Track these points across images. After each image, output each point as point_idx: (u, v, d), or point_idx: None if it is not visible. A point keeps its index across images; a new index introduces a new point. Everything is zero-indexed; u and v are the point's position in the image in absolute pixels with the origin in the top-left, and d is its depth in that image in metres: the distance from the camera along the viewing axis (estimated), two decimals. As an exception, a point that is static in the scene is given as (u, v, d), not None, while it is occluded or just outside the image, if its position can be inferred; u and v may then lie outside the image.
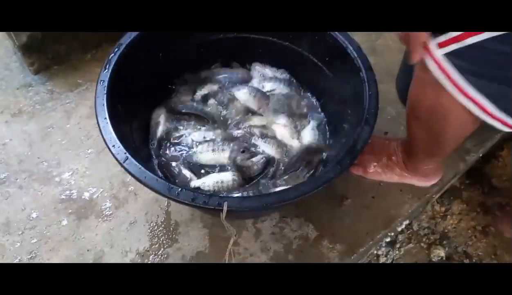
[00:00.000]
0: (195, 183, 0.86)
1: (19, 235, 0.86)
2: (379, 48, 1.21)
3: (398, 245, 1.20)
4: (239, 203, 0.67)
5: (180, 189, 0.67)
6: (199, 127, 0.96)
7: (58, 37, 1.09)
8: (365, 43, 1.23)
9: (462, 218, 1.26)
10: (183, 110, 0.98)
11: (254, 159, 0.87)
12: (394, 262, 1.16)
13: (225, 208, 0.66)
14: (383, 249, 1.19)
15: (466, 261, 1.18)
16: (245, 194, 0.83)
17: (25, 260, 0.82)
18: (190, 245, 0.85)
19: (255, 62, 1.07)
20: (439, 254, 1.18)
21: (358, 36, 1.21)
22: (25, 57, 1.08)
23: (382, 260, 1.17)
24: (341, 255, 0.85)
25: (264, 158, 0.87)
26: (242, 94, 0.99)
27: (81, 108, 1.06)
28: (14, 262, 0.82)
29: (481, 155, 1.14)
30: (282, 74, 1.05)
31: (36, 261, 0.82)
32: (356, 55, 0.85)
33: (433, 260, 1.18)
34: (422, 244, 1.20)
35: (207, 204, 0.66)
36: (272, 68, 1.07)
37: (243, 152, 0.88)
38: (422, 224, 1.24)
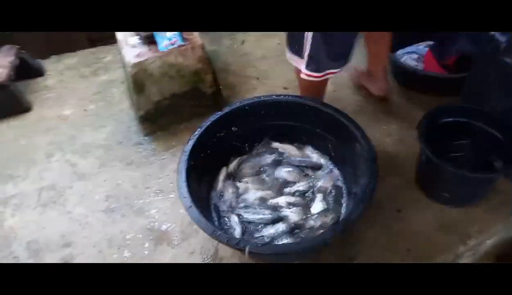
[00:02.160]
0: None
1: (116, 249, 1.25)
2: (408, 138, 1.43)
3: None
4: (257, 248, 0.96)
5: (219, 232, 1.00)
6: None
7: (164, 113, 1.54)
8: (398, 133, 1.47)
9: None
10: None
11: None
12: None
13: (247, 250, 0.96)
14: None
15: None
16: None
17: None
18: (228, 275, 1.15)
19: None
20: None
21: (392, 126, 1.46)
22: (141, 125, 1.55)
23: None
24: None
25: None
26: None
27: (172, 163, 1.47)
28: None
29: None
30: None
31: (125, 268, 1.19)
32: (367, 150, 1.11)
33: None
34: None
35: (236, 245, 0.97)
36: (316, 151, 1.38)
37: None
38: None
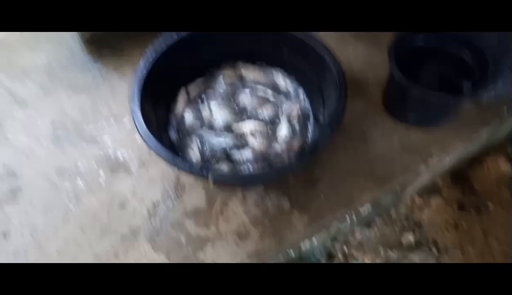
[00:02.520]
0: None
1: (69, 179, 1.16)
2: (376, 62, 1.38)
3: (374, 226, 1.40)
4: (222, 177, 0.92)
5: (181, 160, 0.94)
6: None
7: (114, 34, 1.38)
8: (366, 55, 1.41)
9: (437, 212, 1.42)
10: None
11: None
12: (366, 239, 1.37)
13: (210, 177, 0.91)
14: (360, 228, 1.39)
15: (433, 248, 1.36)
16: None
17: (72, 198, 1.12)
18: (192, 202, 1.11)
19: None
20: (409, 238, 1.36)
21: (363, 48, 1.40)
22: (87, 46, 1.39)
23: (357, 236, 1.37)
24: (305, 224, 1.07)
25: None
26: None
27: (124, 87, 1.34)
28: (64, 199, 1.12)
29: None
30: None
31: (79, 199, 1.12)
32: (336, 72, 1.05)
33: (403, 242, 1.36)
34: (395, 228, 1.39)
35: (198, 172, 0.92)
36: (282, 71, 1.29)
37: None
38: (400, 212, 1.42)
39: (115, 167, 1.18)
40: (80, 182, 1.15)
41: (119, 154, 1.20)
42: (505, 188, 1.46)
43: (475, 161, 1.48)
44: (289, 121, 1.17)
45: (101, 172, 1.17)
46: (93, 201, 1.12)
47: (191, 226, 1.07)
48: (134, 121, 0.99)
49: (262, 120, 1.18)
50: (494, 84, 1.22)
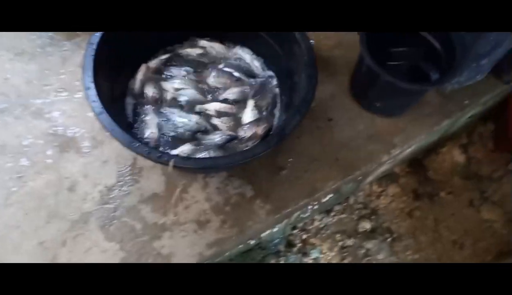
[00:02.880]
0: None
1: (11, 157, 1.05)
2: (346, 42, 1.35)
3: (333, 214, 1.41)
4: (182, 162, 0.85)
5: (139, 143, 0.86)
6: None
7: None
8: (336, 35, 1.37)
9: (394, 200, 1.46)
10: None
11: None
12: (325, 226, 1.38)
13: (171, 164, 0.85)
14: (320, 215, 1.40)
15: (388, 236, 1.40)
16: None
17: (14, 178, 1.02)
18: (149, 187, 1.05)
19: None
20: (365, 226, 1.39)
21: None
22: (31, 4, 1.23)
23: (316, 224, 1.38)
24: (268, 213, 1.04)
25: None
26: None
27: (76, 57, 1.22)
28: (5, 179, 1.02)
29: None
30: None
31: (23, 180, 1.02)
32: (306, 54, 1.00)
33: (359, 230, 1.39)
34: (353, 216, 1.41)
35: (158, 159, 0.85)
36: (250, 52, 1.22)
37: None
38: (358, 199, 1.45)
39: (65, 145, 1.08)
40: (24, 161, 1.05)
41: (70, 132, 1.10)
42: (457, 177, 1.52)
43: (431, 150, 1.52)
44: (255, 104, 1.12)
45: (49, 151, 1.06)
46: (39, 183, 1.02)
47: (147, 213, 1.01)
48: (88, 97, 0.89)
49: (228, 101, 1.12)
50: (460, 75, 1.23)
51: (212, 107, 1.09)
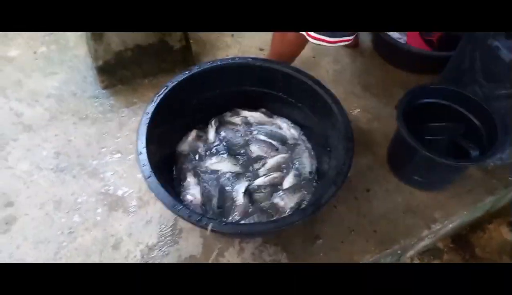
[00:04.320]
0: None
1: (65, 213, 1.14)
2: (384, 115, 1.38)
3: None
4: (220, 226, 0.89)
5: (181, 207, 0.92)
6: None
7: (126, 65, 1.39)
8: (374, 108, 1.42)
9: (437, 278, 1.38)
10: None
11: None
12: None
13: (209, 228, 0.89)
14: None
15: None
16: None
17: (65, 233, 1.09)
18: (187, 248, 1.09)
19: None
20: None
21: (370, 101, 1.41)
22: (99, 76, 1.39)
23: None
24: (302, 283, 1.04)
25: None
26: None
27: (132, 122, 1.34)
28: (57, 233, 1.10)
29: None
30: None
31: (73, 235, 1.09)
32: (343, 126, 1.04)
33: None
34: (393, 292, 1.35)
35: (197, 222, 0.89)
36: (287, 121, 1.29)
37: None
38: (399, 274, 1.39)
39: (114, 204, 1.16)
40: (76, 218, 1.13)
41: (120, 192, 1.18)
42: (506, 256, 1.43)
43: (477, 226, 1.46)
44: (296, 174, 1.16)
45: (99, 209, 1.15)
46: (87, 239, 1.09)
47: (185, 275, 1.04)
48: (139, 161, 0.98)
49: (271, 172, 1.17)
50: (502, 152, 1.21)
51: (258, 183, 1.14)
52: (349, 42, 1.18)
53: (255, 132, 1.25)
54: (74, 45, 1.58)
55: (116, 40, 1.32)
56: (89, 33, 1.32)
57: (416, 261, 1.38)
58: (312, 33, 1.15)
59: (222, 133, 1.24)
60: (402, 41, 1.56)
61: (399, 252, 1.17)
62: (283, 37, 1.26)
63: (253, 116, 1.29)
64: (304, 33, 1.16)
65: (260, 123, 1.28)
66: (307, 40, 1.18)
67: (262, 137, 1.23)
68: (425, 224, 1.16)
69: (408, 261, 1.38)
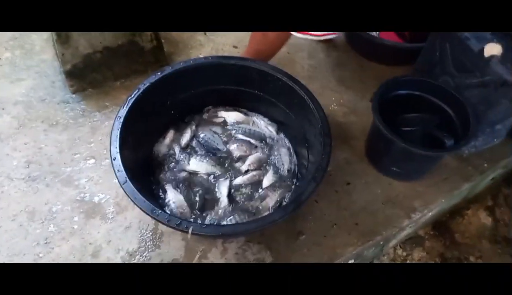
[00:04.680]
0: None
1: (40, 223, 1.10)
2: (361, 108, 1.39)
3: (355, 280, 1.37)
4: (201, 229, 0.88)
5: (160, 211, 0.89)
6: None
7: (96, 68, 1.35)
8: (350, 102, 1.43)
9: (419, 265, 1.41)
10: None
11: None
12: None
13: (190, 231, 0.87)
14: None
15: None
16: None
17: (41, 244, 1.06)
18: (169, 252, 1.07)
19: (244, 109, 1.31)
20: (389, 293, 1.34)
21: (346, 95, 1.42)
22: (68, 80, 1.34)
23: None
24: (287, 280, 1.03)
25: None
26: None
27: (105, 127, 1.31)
28: (33, 244, 1.06)
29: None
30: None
31: (50, 246, 1.05)
32: (320, 122, 1.04)
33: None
34: (376, 282, 1.36)
35: (177, 226, 0.87)
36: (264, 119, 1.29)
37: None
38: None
39: (91, 211, 1.12)
40: (52, 227, 1.09)
41: (96, 199, 1.15)
42: (486, 240, 1.46)
43: (456, 212, 1.49)
44: (275, 170, 1.15)
45: (76, 217, 1.11)
46: (64, 249, 1.06)
47: (167, 280, 1.02)
48: (114, 167, 0.95)
49: (251, 170, 1.16)
50: (476, 139, 1.24)
51: (238, 182, 1.13)
52: (336, 35, 1.17)
53: (233, 131, 1.24)
54: (40, 49, 1.52)
55: (84, 43, 1.28)
56: (55, 37, 1.27)
57: (399, 250, 1.40)
58: None
59: (200, 134, 1.22)
60: (374, 34, 1.57)
61: (381, 243, 1.19)
62: (264, 35, 1.23)
63: (230, 116, 1.27)
64: None
65: (238, 122, 1.27)
66: (289, 38, 1.17)
67: (240, 136, 1.22)
68: (405, 214, 1.17)
69: (391, 251, 1.40)
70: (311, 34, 1.15)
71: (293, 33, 1.16)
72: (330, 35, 1.17)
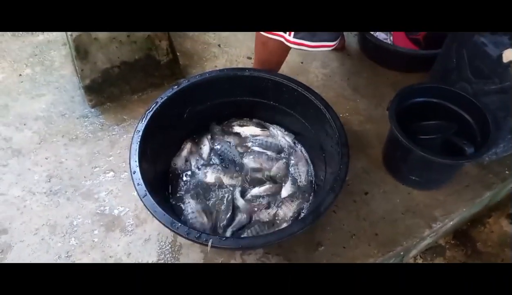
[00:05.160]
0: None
1: (61, 237, 1.12)
2: (376, 116, 1.39)
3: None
4: (220, 242, 0.88)
5: (179, 224, 0.90)
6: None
7: (114, 82, 1.37)
8: (366, 110, 1.42)
9: (440, 275, 1.38)
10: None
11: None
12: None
13: (209, 244, 0.87)
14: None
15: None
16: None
17: (63, 258, 1.07)
18: (188, 265, 1.07)
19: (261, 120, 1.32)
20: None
21: (361, 103, 1.41)
22: (86, 95, 1.37)
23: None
24: (307, 292, 1.02)
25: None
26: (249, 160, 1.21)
27: (123, 140, 1.33)
28: (54, 258, 1.07)
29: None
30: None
31: (71, 259, 1.07)
32: (337, 132, 1.04)
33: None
34: (397, 293, 1.34)
35: (196, 239, 0.88)
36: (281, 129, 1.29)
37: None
38: (402, 275, 1.38)
39: (111, 225, 1.14)
40: (73, 241, 1.11)
41: (116, 212, 1.16)
42: (508, 249, 1.43)
43: (477, 221, 1.46)
44: (293, 181, 1.15)
45: (96, 230, 1.12)
46: (85, 262, 1.07)
47: (187, 292, 1.02)
48: (133, 180, 0.96)
49: (268, 183, 1.16)
50: (496, 146, 1.22)
51: (255, 193, 1.14)
52: (332, 47, 1.15)
53: (249, 143, 1.24)
54: (60, 65, 1.56)
55: (102, 57, 1.31)
56: (74, 53, 1.30)
57: (419, 260, 1.38)
58: (291, 38, 1.11)
59: (217, 146, 1.23)
60: (388, 41, 1.57)
61: (401, 253, 1.17)
62: (264, 45, 1.24)
63: (245, 131, 1.28)
64: (282, 39, 1.13)
65: (254, 136, 1.28)
66: (289, 47, 1.17)
67: (257, 148, 1.23)
68: (426, 223, 1.16)
69: (411, 261, 1.38)
70: (304, 45, 1.12)
71: (288, 44, 1.14)
72: (325, 47, 1.13)
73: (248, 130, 1.27)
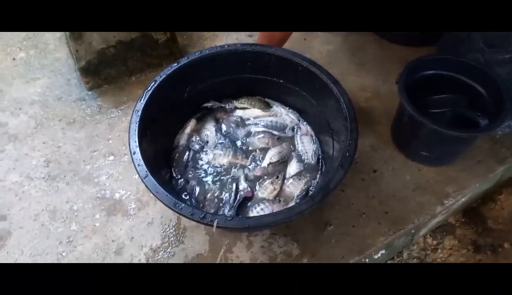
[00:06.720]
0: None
1: (62, 222, 1.08)
2: (383, 92, 1.34)
3: (384, 271, 1.32)
4: (226, 222, 0.84)
5: (183, 205, 0.86)
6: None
7: (110, 63, 1.32)
8: (372, 86, 1.37)
9: (452, 253, 1.35)
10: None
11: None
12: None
13: (215, 224, 0.84)
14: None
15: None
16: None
17: (64, 243, 1.04)
18: (193, 247, 1.04)
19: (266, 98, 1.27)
20: (421, 283, 1.28)
21: (367, 79, 1.36)
22: (83, 77, 1.32)
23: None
24: (316, 273, 0.99)
25: None
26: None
27: (122, 123, 1.28)
28: (55, 244, 1.04)
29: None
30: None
31: (73, 245, 1.04)
32: (345, 107, 0.99)
33: (415, 288, 1.28)
34: (407, 272, 1.31)
35: (201, 219, 0.84)
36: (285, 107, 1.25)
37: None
38: (412, 254, 1.35)
39: (112, 209, 1.10)
40: (74, 226, 1.07)
41: (117, 195, 1.13)
42: (520, 226, 1.40)
43: (488, 198, 1.42)
44: (299, 158, 1.12)
45: (97, 214, 1.09)
46: (87, 247, 1.04)
47: (193, 276, 0.99)
48: (134, 161, 0.92)
49: (275, 163, 1.12)
50: (511, 119, 1.17)
51: (260, 173, 1.10)
52: None
53: (253, 125, 1.20)
54: (54, 48, 1.51)
55: (97, 37, 1.26)
56: (68, 34, 1.25)
57: (429, 239, 1.34)
58: None
59: (222, 126, 1.19)
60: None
61: (412, 231, 1.14)
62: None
63: (247, 114, 1.24)
64: None
65: (257, 117, 1.24)
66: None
67: (261, 128, 1.18)
68: (437, 200, 1.12)
69: (420, 240, 1.34)
70: None
71: None
72: None
73: (251, 112, 1.23)
